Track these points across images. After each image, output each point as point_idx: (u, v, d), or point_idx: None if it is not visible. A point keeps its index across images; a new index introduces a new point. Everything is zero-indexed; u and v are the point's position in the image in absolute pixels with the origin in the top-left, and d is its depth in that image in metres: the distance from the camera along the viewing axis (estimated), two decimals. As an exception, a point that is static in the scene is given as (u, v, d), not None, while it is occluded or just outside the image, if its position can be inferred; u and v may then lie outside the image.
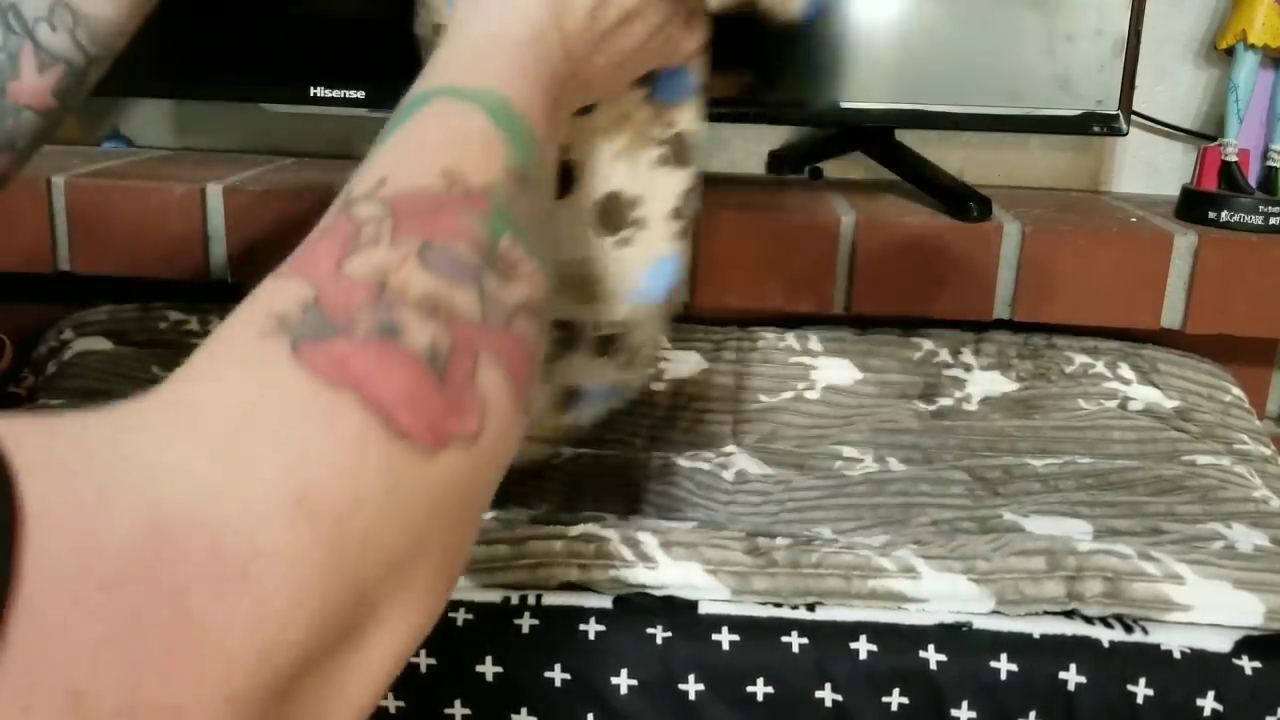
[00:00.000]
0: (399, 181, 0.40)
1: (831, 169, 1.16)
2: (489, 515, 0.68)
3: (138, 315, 0.94)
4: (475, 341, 0.37)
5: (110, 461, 0.29)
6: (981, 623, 0.55)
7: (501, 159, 0.43)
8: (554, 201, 0.48)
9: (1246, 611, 0.54)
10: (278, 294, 0.36)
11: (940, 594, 0.55)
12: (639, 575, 0.57)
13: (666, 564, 0.58)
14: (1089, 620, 0.55)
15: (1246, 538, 0.64)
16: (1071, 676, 0.53)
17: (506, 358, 0.38)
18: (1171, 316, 0.92)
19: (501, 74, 0.46)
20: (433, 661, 0.55)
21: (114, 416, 0.30)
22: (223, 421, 0.31)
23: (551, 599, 0.57)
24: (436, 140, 0.43)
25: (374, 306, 0.35)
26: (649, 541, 0.58)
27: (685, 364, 0.91)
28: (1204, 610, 0.54)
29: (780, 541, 0.65)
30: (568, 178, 0.58)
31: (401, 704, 0.55)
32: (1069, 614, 0.55)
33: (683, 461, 0.78)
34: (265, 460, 0.31)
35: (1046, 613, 0.55)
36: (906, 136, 1.04)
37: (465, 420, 0.35)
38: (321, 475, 0.31)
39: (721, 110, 1.01)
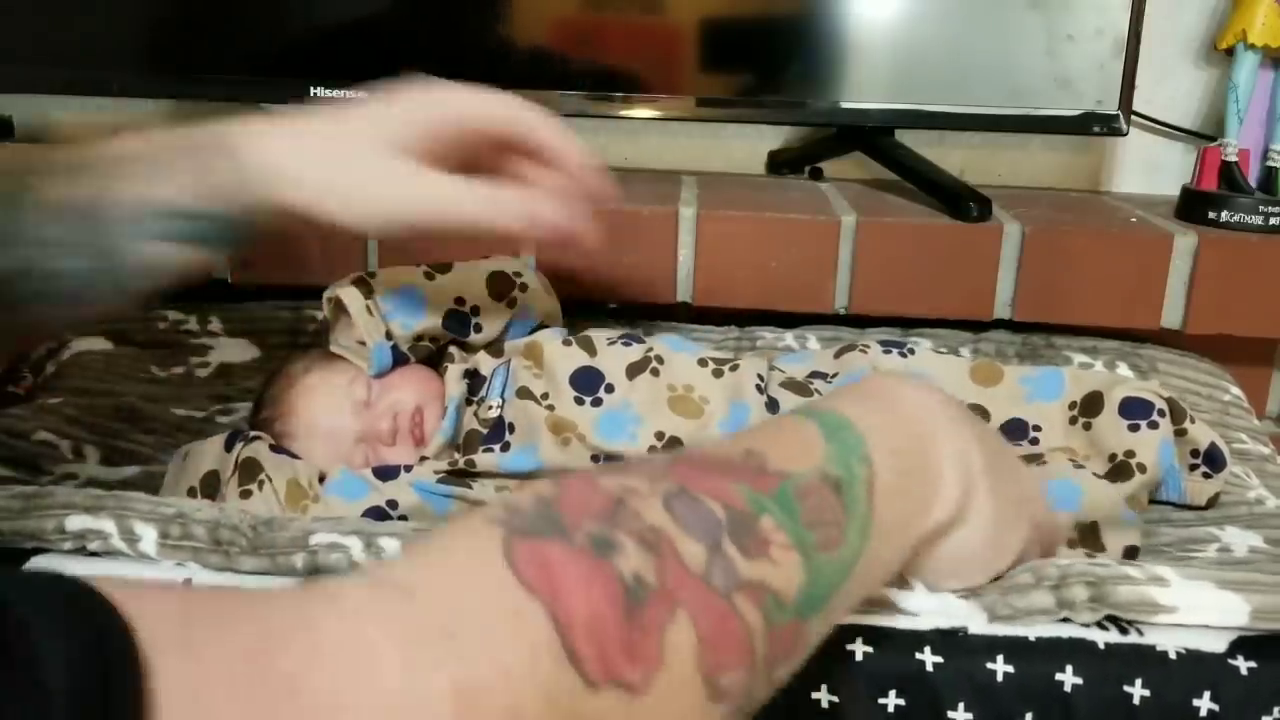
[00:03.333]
0: (705, 446, 0.42)
1: (831, 169, 1.16)
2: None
3: (137, 315, 0.94)
4: (681, 592, 0.35)
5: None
6: (976, 625, 0.55)
7: (818, 459, 0.43)
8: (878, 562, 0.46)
9: (1232, 612, 0.54)
10: (530, 488, 0.37)
11: (932, 610, 0.55)
12: None
13: None
14: (1084, 623, 0.55)
15: (1241, 540, 0.64)
16: (1068, 678, 0.53)
17: (708, 623, 0.36)
18: (1171, 316, 0.92)
19: (853, 409, 0.47)
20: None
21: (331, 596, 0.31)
22: (424, 611, 0.32)
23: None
24: (762, 431, 0.45)
25: (601, 520, 0.35)
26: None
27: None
28: (1189, 612, 0.54)
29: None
30: None
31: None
32: (1064, 617, 0.55)
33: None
34: (446, 654, 0.31)
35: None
36: (906, 136, 1.04)
37: (634, 667, 0.33)
38: (490, 677, 0.31)
39: (721, 110, 1.01)
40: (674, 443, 0.67)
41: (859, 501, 0.43)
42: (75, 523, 0.59)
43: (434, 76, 0.61)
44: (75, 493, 0.62)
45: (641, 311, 0.94)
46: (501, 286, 0.78)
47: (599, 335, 0.76)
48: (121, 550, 0.59)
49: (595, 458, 0.68)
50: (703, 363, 0.73)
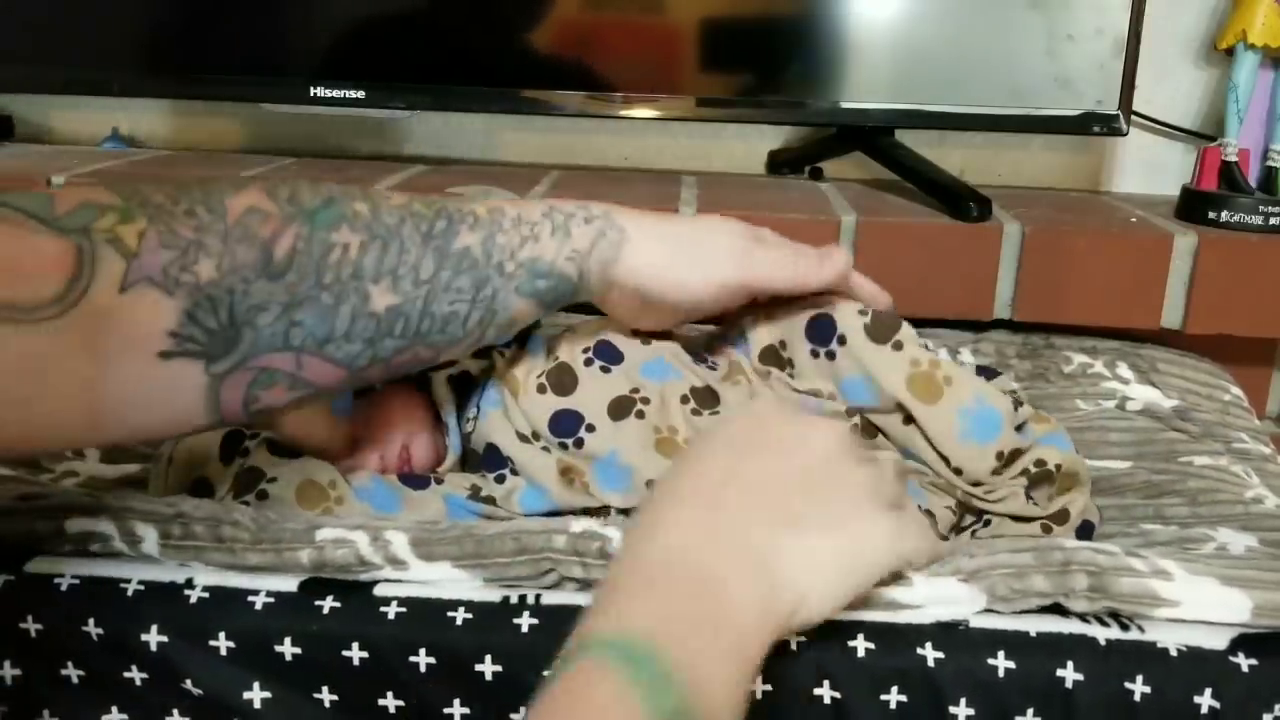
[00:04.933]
0: None
1: (831, 169, 1.16)
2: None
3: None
4: None
5: None
6: (978, 621, 0.55)
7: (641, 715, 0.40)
8: None
9: (1234, 608, 0.54)
10: None
11: (933, 599, 0.55)
12: None
13: None
14: (1085, 618, 0.55)
15: (1237, 541, 0.64)
16: (1069, 674, 0.53)
17: None
18: (1171, 316, 0.92)
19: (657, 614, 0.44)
20: (432, 661, 0.55)
21: None
22: None
23: (551, 599, 0.57)
24: (563, 705, 0.41)
25: None
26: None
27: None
28: (1191, 606, 0.54)
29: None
30: None
31: (400, 703, 0.56)
32: (1065, 612, 0.55)
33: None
34: None
35: (1040, 609, 0.55)
36: (906, 136, 1.04)
37: None
38: None
39: (721, 110, 1.01)
40: None
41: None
42: (75, 525, 0.59)
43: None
44: (75, 493, 0.62)
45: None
46: None
47: (575, 354, 0.74)
48: (123, 551, 0.59)
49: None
50: (684, 400, 0.71)
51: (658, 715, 0.40)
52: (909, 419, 0.69)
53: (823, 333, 0.71)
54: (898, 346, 0.69)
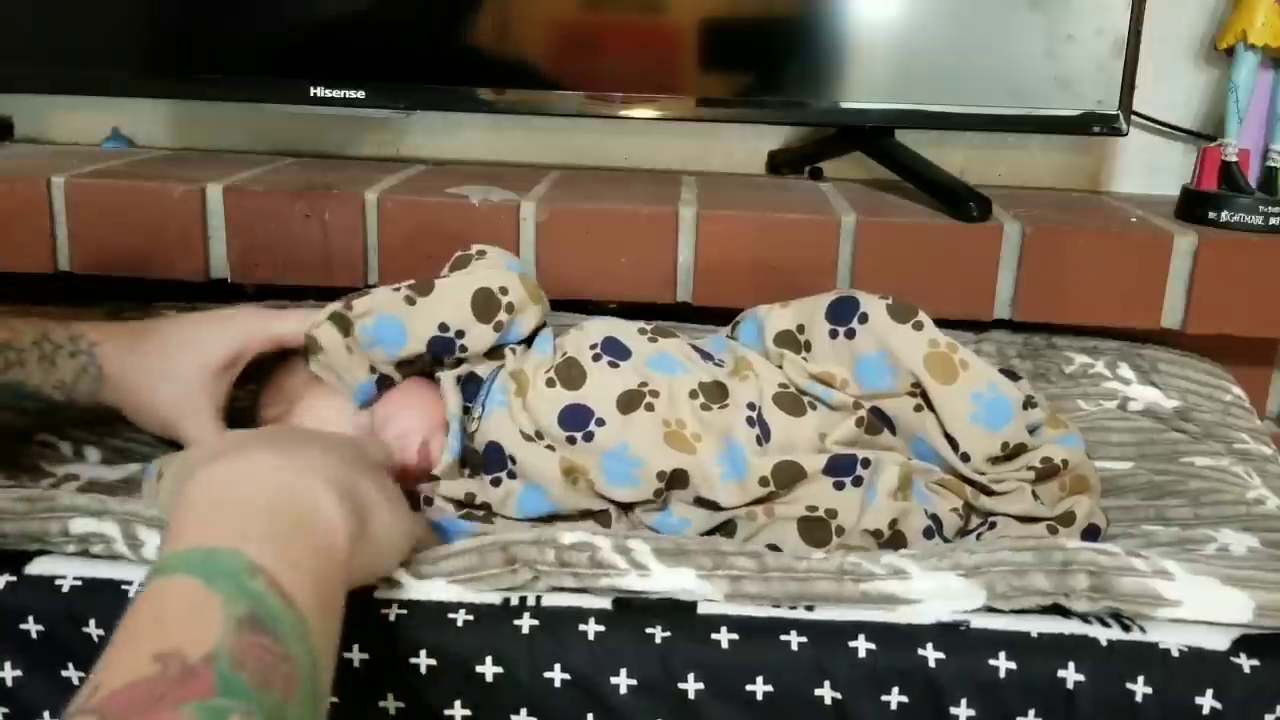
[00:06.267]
0: (111, 681, 0.39)
1: (831, 169, 1.16)
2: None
3: (138, 315, 0.94)
4: None
5: None
6: (979, 621, 0.55)
7: (219, 609, 0.42)
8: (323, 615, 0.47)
9: (1236, 608, 0.54)
10: None
11: (931, 592, 0.55)
12: (632, 583, 0.57)
13: (660, 571, 0.58)
14: (1086, 619, 0.55)
15: (1239, 541, 0.64)
16: (1070, 675, 0.53)
17: None
18: (1172, 316, 0.92)
19: (203, 528, 0.46)
20: (433, 662, 0.55)
21: None
22: None
23: (551, 599, 0.57)
24: (150, 617, 0.42)
25: None
26: (641, 549, 0.58)
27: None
28: (1193, 606, 0.54)
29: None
30: None
31: (401, 704, 0.56)
32: (1066, 613, 0.55)
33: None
34: None
35: (1041, 610, 0.55)
36: (906, 136, 1.04)
37: None
38: None
39: (721, 110, 1.01)
40: (676, 477, 0.67)
41: (280, 615, 0.43)
42: (79, 526, 0.59)
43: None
44: (79, 496, 0.62)
45: (642, 311, 0.94)
46: (487, 307, 0.74)
47: (584, 350, 0.74)
48: (125, 554, 0.59)
49: (601, 499, 0.68)
50: (693, 394, 0.72)
51: (237, 611, 0.42)
52: (919, 407, 0.70)
53: (844, 312, 0.72)
54: (918, 326, 0.70)
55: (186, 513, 0.48)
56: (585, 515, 0.68)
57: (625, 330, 0.77)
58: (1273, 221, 0.94)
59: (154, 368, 0.72)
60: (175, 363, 0.73)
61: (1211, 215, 0.96)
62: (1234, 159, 0.98)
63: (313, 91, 0.97)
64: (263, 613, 0.43)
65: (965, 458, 0.68)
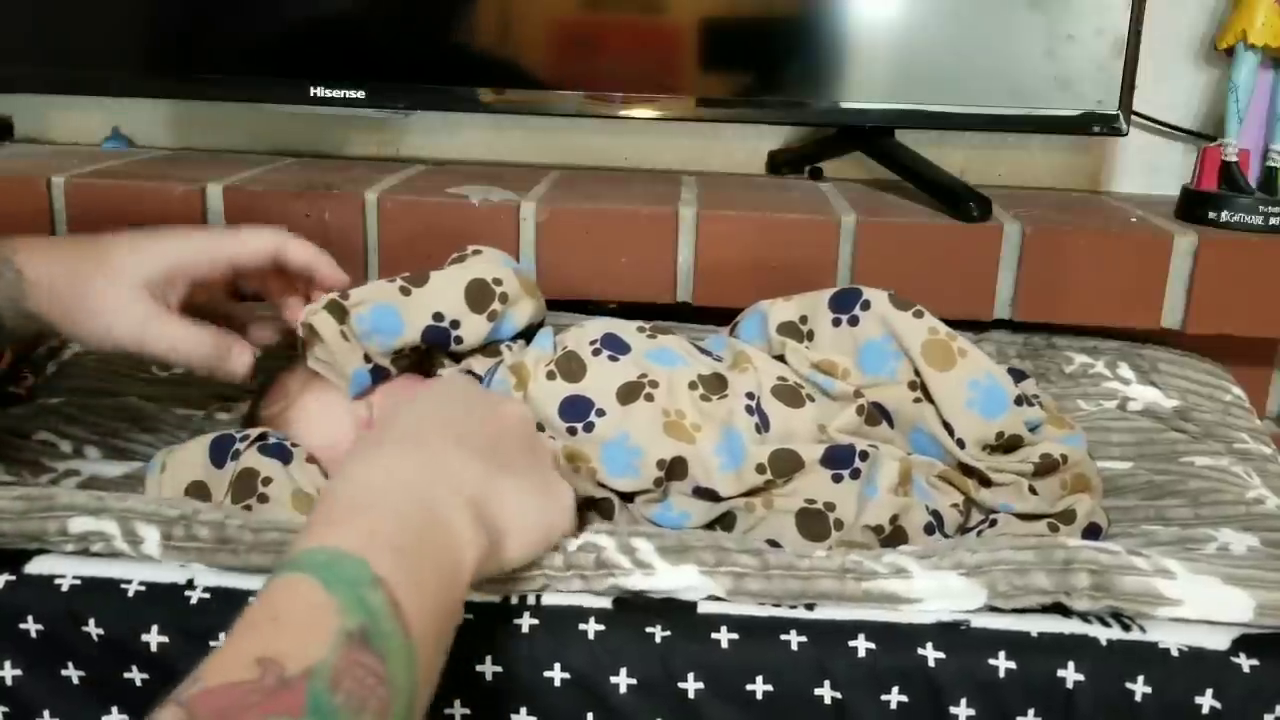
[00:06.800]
0: (210, 676, 0.39)
1: (831, 169, 1.16)
2: None
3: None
4: None
5: None
6: (979, 621, 0.55)
7: (332, 621, 0.41)
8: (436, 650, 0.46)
9: (1237, 607, 0.54)
10: None
11: (933, 591, 0.55)
12: (636, 582, 0.57)
13: (664, 569, 0.58)
14: (1086, 619, 0.55)
15: (1239, 541, 0.64)
16: (1070, 674, 0.53)
17: None
18: (1172, 316, 0.92)
19: (334, 528, 0.46)
20: (432, 660, 0.55)
21: None
22: None
23: (551, 599, 0.57)
24: (264, 616, 0.42)
25: None
26: (645, 548, 0.58)
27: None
28: (1194, 605, 0.54)
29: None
30: None
31: (401, 703, 0.55)
32: (1066, 612, 0.55)
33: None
34: None
35: (1042, 609, 0.55)
36: (906, 136, 1.04)
37: None
38: None
39: (721, 110, 1.01)
40: (675, 465, 0.67)
41: (391, 635, 0.43)
42: (78, 524, 0.59)
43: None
44: (78, 494, 0.62)
45: (642, 311, 0.94)
46: (481, 297, 0.75)
47: (582, 343, 0.75)
48: (124, 552, 0.59)
49: (602, 488, 0.68)
50: (693, 385, 0.72)
51: (350, 624, 0.41)
52: (918, 399, 0.70)
53: (847, 302, 0.74)
54: (919, 314, 0.72)
55: (328, 508, 0.48)
56: (587, 504, 0.69)
57: (624, 328, 0.78)
58: (1273, 221, 0.94)
59: (88, 271, 0.67)
60: (112, 268, 0.67)
61: (1211, 215, 0.96)
62: (1234, 159, 0.98)
63: (313, 91, 0.97)
64: (375, 630, 0.42)
65: (961, 444, 0.69)
